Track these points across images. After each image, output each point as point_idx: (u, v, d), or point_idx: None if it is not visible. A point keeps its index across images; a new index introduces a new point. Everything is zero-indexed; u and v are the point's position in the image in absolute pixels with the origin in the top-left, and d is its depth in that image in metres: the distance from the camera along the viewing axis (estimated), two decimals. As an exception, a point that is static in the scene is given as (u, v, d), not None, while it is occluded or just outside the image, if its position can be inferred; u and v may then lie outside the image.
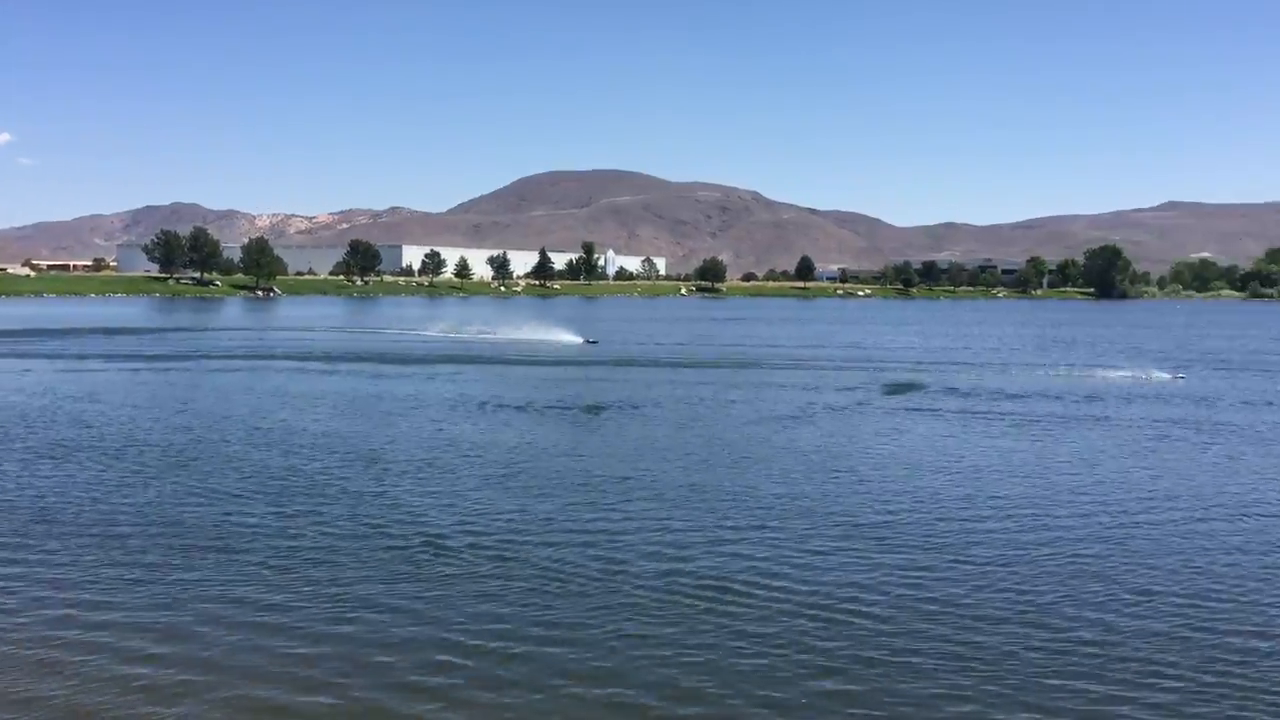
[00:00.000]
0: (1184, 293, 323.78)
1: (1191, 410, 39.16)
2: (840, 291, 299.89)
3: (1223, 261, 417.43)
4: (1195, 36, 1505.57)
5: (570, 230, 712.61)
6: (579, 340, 72.40)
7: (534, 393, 41.90)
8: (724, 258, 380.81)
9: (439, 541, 18.48)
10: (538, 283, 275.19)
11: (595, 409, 37.08)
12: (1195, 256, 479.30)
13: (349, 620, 14.61)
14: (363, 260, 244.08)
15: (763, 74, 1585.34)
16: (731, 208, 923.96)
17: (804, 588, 16.19)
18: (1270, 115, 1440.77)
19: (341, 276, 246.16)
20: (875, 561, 17.62)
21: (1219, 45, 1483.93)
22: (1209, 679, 12.85)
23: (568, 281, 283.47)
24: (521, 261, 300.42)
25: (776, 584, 16.35)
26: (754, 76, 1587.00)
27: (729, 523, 20.10)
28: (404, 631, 14.22)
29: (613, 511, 20.92)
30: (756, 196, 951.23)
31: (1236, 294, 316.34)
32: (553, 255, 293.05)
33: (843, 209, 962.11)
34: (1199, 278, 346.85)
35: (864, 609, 15.26)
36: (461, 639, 13.96)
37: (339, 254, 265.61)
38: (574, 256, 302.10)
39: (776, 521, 20.26)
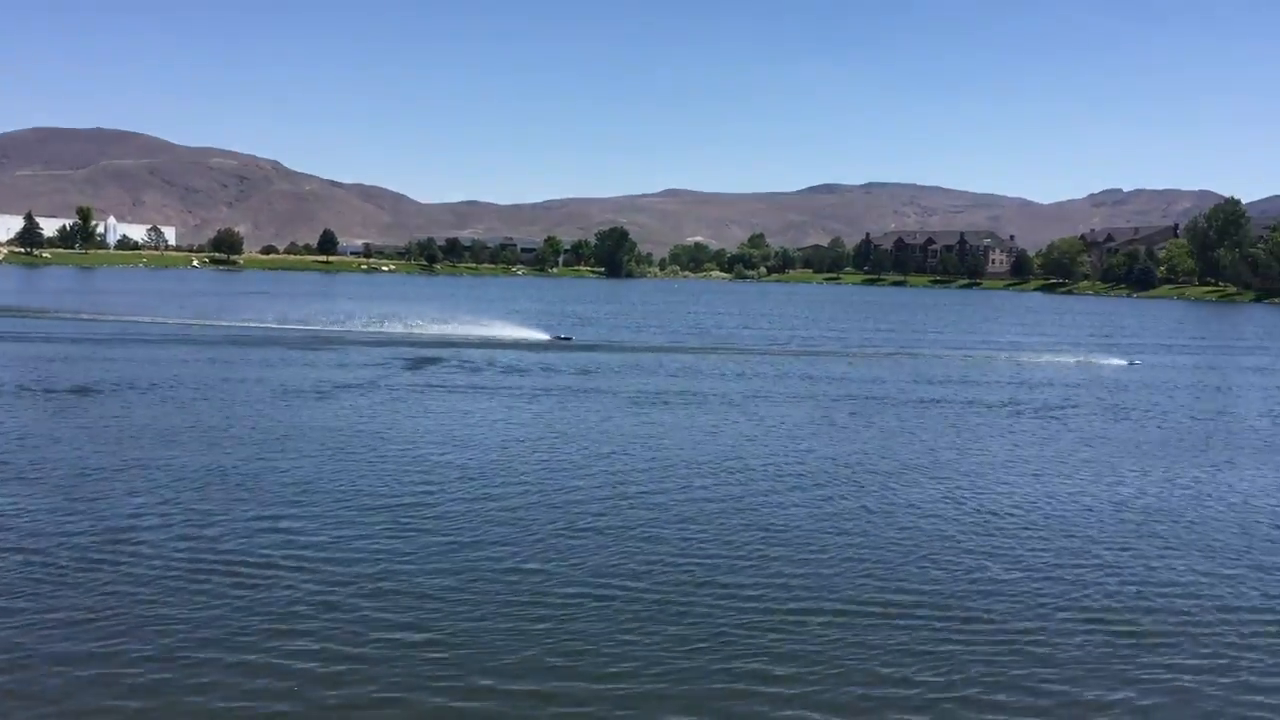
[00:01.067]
0: (681, 273, 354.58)
1: (681, 382, 43.41)
2: (365, 266, 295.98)
3: (714, 245, 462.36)
4: (684, 40, 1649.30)
5: (63, 194, 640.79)
6: (546, 336, 64.32)
7: (14, 374, 37.67)
8: (241, 229, 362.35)
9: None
10: (23, 250, 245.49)
11: (87, 391, 34.02)
12: (691, 240, 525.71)
13: None
14: None
15: (283, 39, 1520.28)
16: (249, 177, 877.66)
17: (335, 567, 16.15)
18: (753, 114, 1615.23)
19: None
20: (405, 539, 17.96)
21: (707, 48, 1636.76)
22: (723, 616, 14.57)
23: (60, 250, 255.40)
24: (3, 227, 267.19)
25: (307, 564, 16.18)
26: (274, 41, 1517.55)
27: (252, 505, 19.47)
28: None
29: (116, 500, 19.48)
30: (276, 166, 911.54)
31: (724, 275, 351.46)
32: (41, 221, 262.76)
33: (367, 183, 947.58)
34: (694, 259, 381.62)
35: (396, 584, 15.54)
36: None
37: None
38: (68, 223, 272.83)
39: (302, 501, 19.93)
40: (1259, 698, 12.56)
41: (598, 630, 13.93)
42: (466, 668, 12.65)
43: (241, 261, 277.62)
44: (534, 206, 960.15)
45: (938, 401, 38.74)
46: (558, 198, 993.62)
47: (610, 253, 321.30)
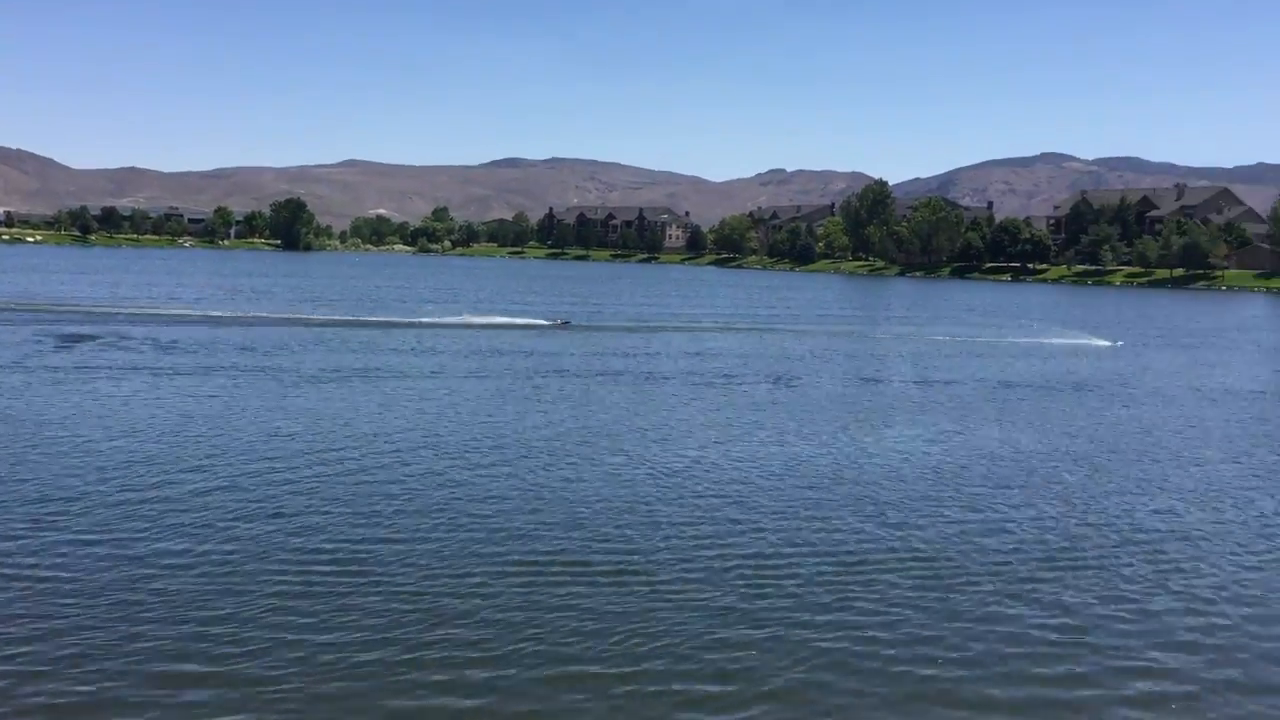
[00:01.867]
0: (363, 246, 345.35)
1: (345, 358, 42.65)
2: (7, 237, 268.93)
3: (396, 218, 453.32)
4: (364, 5, 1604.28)
5: None
6: (546, 323, 61.29)
7: None
8: None
9: None
10: None
11: None
12: (373, 212, 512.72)
13: None
14: None
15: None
16: None
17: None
18: (435, 85, 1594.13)
19: None
20: (54, 533, 16.76)
21: (388, 15, 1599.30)
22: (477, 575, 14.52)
23: None
24: None
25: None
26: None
27: None
28: None
29: None
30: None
31: (408, 248, 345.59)
32: None
33: (9, 145, 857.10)
34: (376, 232, 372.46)
35: (50, 574, 14.54)
36: None
37: None
38: None
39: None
40: (872, 633, 14.05)
41: (246, 606, 13.64)
42: (128, 660, 12.06)
43: None
44: (202, 175, 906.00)
45: (620, 373, 40.15)
46: (228, 166, 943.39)
47: (287, 225, 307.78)
